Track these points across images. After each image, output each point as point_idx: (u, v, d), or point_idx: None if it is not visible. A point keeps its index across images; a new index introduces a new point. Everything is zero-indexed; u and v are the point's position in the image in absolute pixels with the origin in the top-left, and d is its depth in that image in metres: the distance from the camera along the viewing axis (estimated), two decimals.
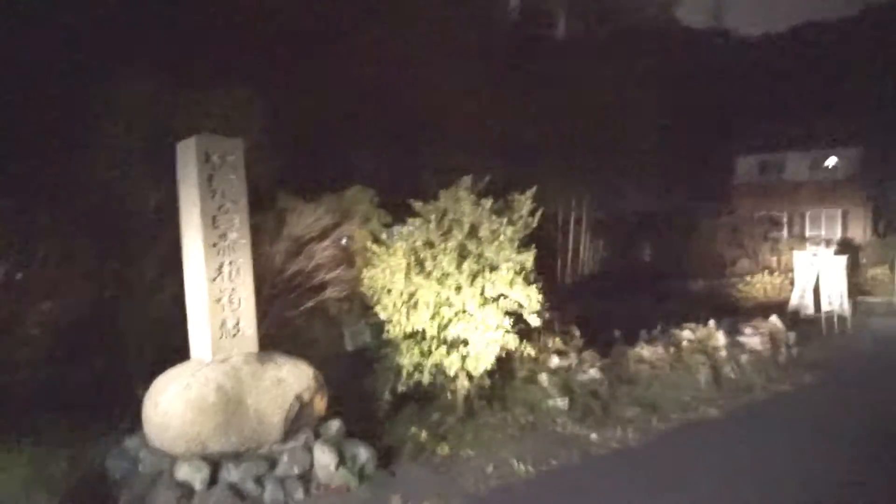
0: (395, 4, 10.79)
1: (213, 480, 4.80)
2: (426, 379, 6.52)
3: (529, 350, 6.91)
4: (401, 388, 6.57)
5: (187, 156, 5.31)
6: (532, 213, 6.81)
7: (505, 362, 7.52)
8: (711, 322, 9.90)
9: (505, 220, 6.56)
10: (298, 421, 5.40)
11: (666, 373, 8.36)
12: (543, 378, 7.70)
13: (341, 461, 5.28)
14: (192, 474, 4.73)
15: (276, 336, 7.91)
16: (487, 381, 7.05)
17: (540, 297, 6.60)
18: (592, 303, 11.16)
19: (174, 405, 4.87)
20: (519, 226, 6.66)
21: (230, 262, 5.41)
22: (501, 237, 6.50)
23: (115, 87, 6.79)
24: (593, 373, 8.03)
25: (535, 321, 6.68)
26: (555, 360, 8.14)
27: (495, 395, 7.27)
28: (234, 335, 5.42)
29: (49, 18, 6.64)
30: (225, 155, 5.39)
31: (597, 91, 14.05)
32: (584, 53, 15.58)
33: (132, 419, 5.45)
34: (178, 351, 5.69)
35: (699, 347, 9.14)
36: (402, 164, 9.95)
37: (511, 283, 6.39)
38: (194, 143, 5.22)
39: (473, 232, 6.65)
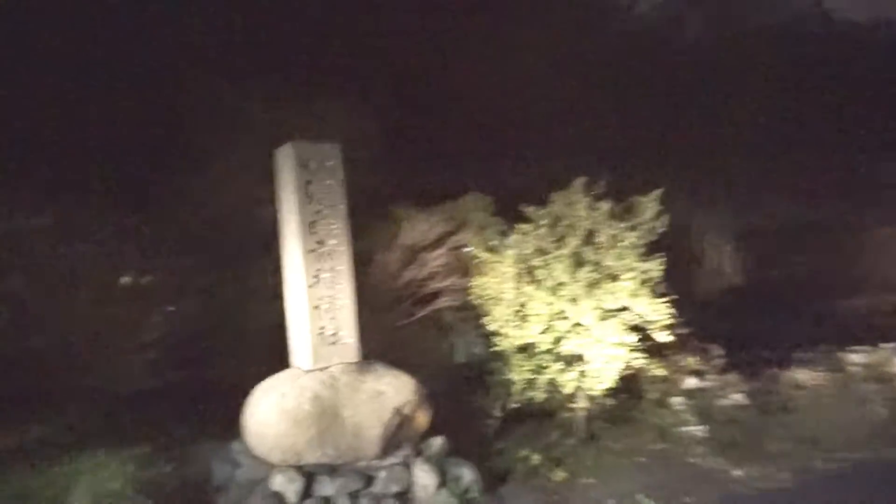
0: (511, 9, 10.44)
1: (307, 493, 4.63)
2: (539, 397, 5.99)
3: (658, 370, 6.13)
4: (512, 405, 6.09)
5: (285, 162, 5.26)
6: (657, 217, 6.06)
7: (632, 381, 6.81)
8: (890, 345, 8.38)
9: (626, 225, 5.89)
10: (398, 436, 5.10)
11: (829, 402, 7.13)
12: (677, 401, 6.90)
13: (443, 482, 4.93)
14: (285, 486, 4.58)
15: (387, 344, 7.77)
16: (610, 402, 6.38)
17: (670, 310, 5.84)
18: (736, 319, 9.95)
19: (270, 414, 4.76)
20: (643, 231, 5.94)
21: (329, 269, 5.27)
22: (623, 243, 5.84)
23: (231, 101, 7.04)
24: (738, 397, 7.09)
25: (663, 337, 5.93)
26: (691, 382, 7.28)
27: (620, 417, 6.61)
28: (333, 343, 5.26)
29: (169, 34, 7.00)
30: (323, 160, 5.28)
31: (738, 90, 12.74)
32: (721, 52, 14.26)
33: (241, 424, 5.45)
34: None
35: (872, 374, 7.75)
36: (518, 170, 9.51)
37: (634, 295, 5.70)
38: (291, 150, 5.16)
39: (590, 238, 6.05)
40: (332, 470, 4.79)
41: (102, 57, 6.40)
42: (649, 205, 6.03)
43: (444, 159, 9.74)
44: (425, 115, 9.52)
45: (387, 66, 9.22)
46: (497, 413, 6.08)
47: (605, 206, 5.95)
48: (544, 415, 6.44)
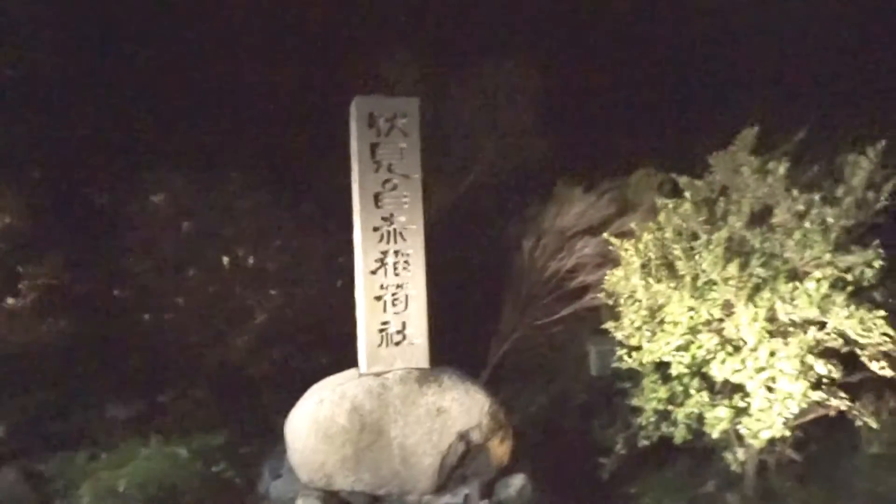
0: None
1: None
2: (679, 435, 4.38)
3: (869, 420, 4.09)
4: (643, 442, 4.56)
5: (351, 122, 4.41)
6: (873, 185, 4.00)
7: (839, 424, 4.79)
8: None
9: (818, 197, 3.97)
10: (462, 469, 4.00)
11: None
12: None
13: None
14: None
15: (520, 345, 6.68)
16: (790, 452, 4.53)
17: (890, 328, 3.80)
18: None
19: (301, 424, 3.99)
20: (846, 205, 3.95)
21: (396, 252, 4.32)
22: (811, 225, 3.95)
23: (374, 70, 6.49)
24: None
25: (880, 368, 3.91)
26: None
27: (819, 475, 4.73)
28: (398, 343, 4.31)
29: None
30: (394, 118, 4.31)
31: None
32: None
33: None
34: None
35: None
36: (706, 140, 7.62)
37: (823, 302, 3.80)
38: (355, 106, 4.30)
39: (761, 218, 4.25)
40: (370, 501, 3.88)
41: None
42: (861, 166, 4.00)
43: (616, 127, 8.22)
44: (589, 77, 8.05)
45: (543, 22, 7.96)
46: (620, 448, 4.61)
47: (781, 166, 4.06)
48: (697, 457, 4.82)
